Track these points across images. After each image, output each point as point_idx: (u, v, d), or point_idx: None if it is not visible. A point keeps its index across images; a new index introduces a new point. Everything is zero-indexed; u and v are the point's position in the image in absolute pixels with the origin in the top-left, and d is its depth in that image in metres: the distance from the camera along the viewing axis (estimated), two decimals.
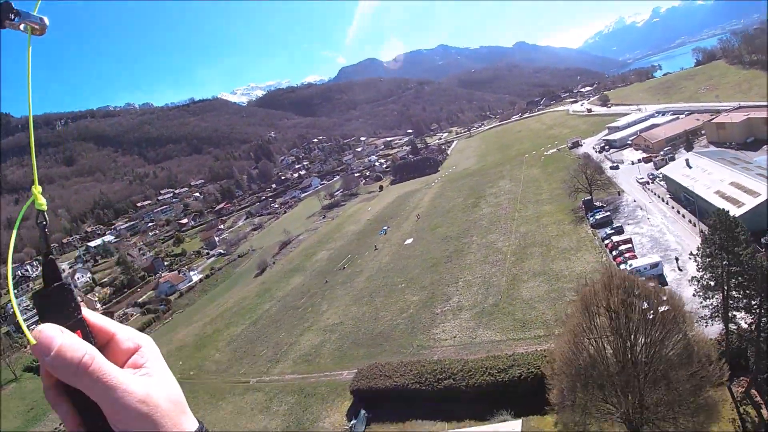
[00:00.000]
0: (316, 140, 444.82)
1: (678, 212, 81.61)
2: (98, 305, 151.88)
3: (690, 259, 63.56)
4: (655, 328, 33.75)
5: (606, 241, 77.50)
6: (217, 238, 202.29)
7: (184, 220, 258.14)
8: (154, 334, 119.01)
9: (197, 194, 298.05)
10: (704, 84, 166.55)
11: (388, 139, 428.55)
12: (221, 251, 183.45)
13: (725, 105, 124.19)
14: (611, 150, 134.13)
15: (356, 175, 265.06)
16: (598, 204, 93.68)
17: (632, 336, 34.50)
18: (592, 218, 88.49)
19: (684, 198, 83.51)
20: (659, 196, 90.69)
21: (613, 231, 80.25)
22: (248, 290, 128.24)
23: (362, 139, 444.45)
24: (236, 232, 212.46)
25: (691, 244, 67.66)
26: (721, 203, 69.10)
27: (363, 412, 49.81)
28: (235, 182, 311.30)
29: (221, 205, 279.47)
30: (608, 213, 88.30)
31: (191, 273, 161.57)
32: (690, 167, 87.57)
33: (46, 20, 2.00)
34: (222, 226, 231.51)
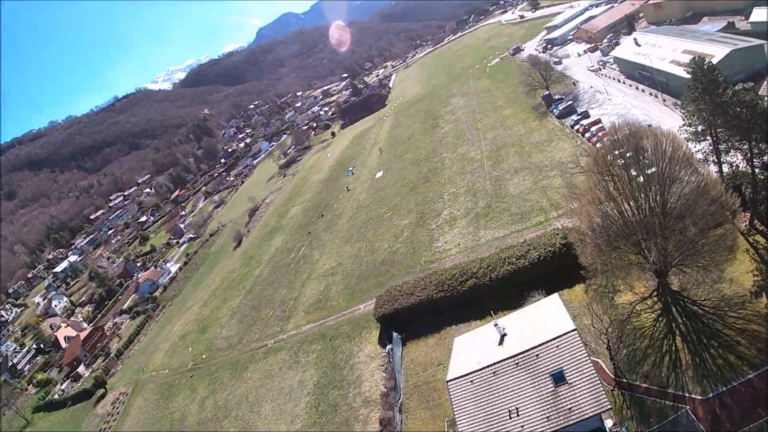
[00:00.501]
0: (252, 106, 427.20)
1: (636, 88, 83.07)
2: (85, 324, 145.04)
3: (674, 110, 66.17)
4: (669, 167, 34.37)
5: (576, 127, 78.44)
6: (182, 225, 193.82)
7: (143, 219, 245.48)
8: (151, 333, 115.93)
9: (148, 190, 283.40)
10: None
11: (325, 87, 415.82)
12: (191, 236, 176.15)
13: None
14: (554, 48, 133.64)
15: (304, 128, 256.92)
16: (557, 97, 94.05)
17: (647, 182, 35.28)
18: (555, 110, 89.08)
19: (639, 75, 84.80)
20: (614, 78, 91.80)
21: (579, 116, 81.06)
22: (232, 263, 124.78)
23: (298, 94, 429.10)
24: (200, 215, 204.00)
25: (658, 114, 69.45)
26: (678, 71, 70.49)
27: (395, 334, 49.85)
28: (182, 168, 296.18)
29: (176, 194, 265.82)
30: (570, 102, 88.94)
31: (168, 265, 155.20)
32: (639, 45, 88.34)
33: None
34: (183, 213, 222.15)
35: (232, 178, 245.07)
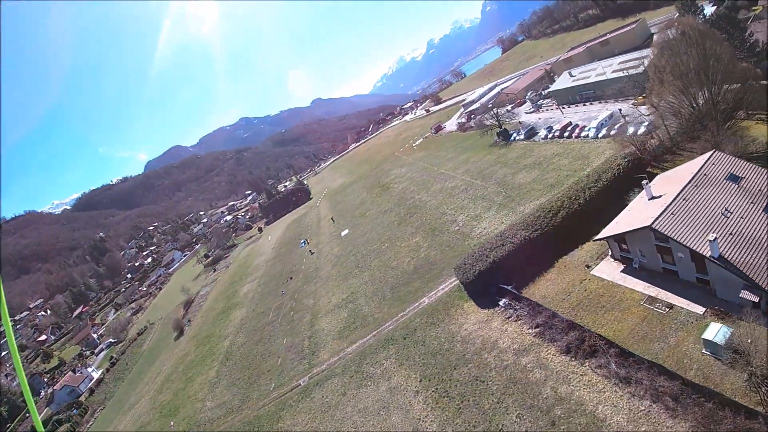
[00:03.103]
0: (152, 228, 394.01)
1: (583, 104, 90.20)
2: None
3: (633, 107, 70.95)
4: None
5: (549, 136, 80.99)
6: (95, 336, 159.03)
7: (43, 337, 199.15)
8: None
9: (42, 313, 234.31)
10: (520, 57, 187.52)
11: (231, 203, 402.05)
12: (111, 341, 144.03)
13: (553, 59, 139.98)
14: (478, 117, 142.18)
15: (224, 231, 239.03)
16: (512, 132, 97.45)
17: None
18: (519, 135, 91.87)
19: (579, 96, 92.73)
20: (555, 108, 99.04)
21: (547, 130, 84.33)
22: (181, 350, 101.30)
23: (201, 212, 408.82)
24: (116, 322, 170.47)
25: (613, 109, 74.69)
26: (622, 74, 78.81)
27: (506, 286, 41.04)
28: (83, 285, 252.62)
29: (79, 310, 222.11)
30: (530, 127, 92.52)
31: (89, 370, 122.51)
32: (573, 75, 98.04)
33: None
34: (95, 325, 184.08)
35: (144, 288, 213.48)
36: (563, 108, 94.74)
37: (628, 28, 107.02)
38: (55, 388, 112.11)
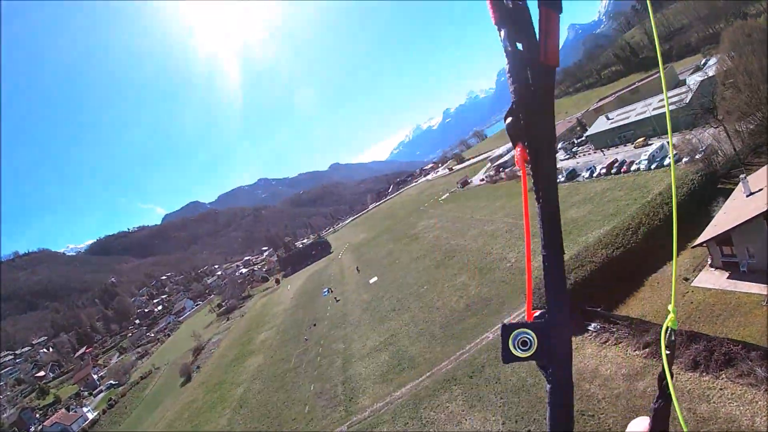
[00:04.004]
0: (164, 277, 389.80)
1: (624, 145, 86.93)
2: None
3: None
4: None
5: (595, 175, 77.59)
6: (96, 376, 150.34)
7: (41, 373, 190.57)
8: None
9: (44, 350, 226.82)
10: None
11: (246, 258, 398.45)
12: (112, 383, 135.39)
13: (578, 114, 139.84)
14: (510, 168, 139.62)
15: (239, 282, 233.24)
16: None
17: None
18: (560, 178, 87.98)
19: (618, 139, 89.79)
20: (593, 152, 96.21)
21: (589, 171, 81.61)
22: (187, 396, 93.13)
23: (216, 266, 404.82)
24: (120, 363, 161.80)
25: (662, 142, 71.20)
26: (666, 108, 75.87)
27: (594, 308, 35.10)
28: (89, 327, 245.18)
29: (82, 351, 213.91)
30: (571, 168, 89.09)
31: (84, 410, 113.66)
32: (610, 118, 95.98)
33: None
34: (96, 366, 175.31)
35: (152, 334, 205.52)
36: (603, 150, 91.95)
37: (657, 75, 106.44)
38: (45, 424, 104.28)
